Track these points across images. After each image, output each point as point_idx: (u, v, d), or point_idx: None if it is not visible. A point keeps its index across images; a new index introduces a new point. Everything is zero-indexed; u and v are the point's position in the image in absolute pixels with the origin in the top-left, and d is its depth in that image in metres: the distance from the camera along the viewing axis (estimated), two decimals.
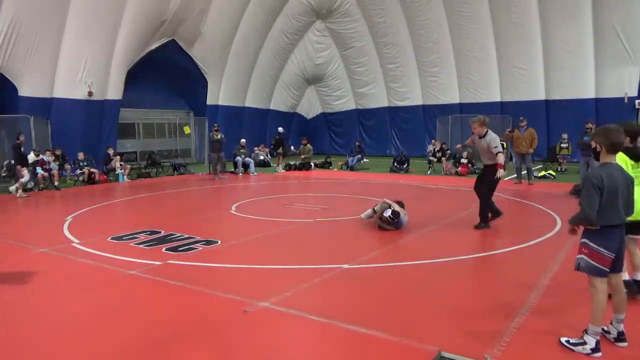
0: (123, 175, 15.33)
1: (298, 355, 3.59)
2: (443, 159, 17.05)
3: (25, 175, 12.06)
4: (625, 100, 18.30)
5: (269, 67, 24.04)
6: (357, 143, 20.09)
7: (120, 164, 15.63)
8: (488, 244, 6.86)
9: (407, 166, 17.57)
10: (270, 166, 19.74)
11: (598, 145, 3.49)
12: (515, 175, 13.31)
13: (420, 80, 23.46)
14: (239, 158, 17.06)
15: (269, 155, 20.88)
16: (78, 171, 14.66)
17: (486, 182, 7.81)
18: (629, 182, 3.45)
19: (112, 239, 7.10)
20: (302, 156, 19.01)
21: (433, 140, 19.63)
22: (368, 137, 25.68)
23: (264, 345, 3.67)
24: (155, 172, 17.15)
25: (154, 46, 18.37)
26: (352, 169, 18.30)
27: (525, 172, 13.04)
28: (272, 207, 10.18)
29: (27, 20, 13.98)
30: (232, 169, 17.01)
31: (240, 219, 8.86)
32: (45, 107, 15.20)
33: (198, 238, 7.04)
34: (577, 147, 12.46)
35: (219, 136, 15.62)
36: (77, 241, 7.01)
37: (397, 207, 7.63)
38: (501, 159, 7.61)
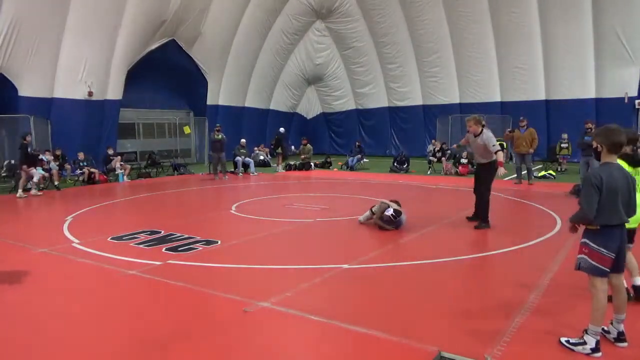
0: (123, 175, 15.33)
1: (298, 355, 3.59)
2: (443, 159, 17.05)
3: (35, 175, 12.12)
4: (625, 100, 18.30)
5: (269, 67, 24.04)
6: (357, 143, 20.09)
7: (120, 164, 15.63)
8: (488, 244, 6.86)
9: (407, 166, 17.57)
10: (270, 166, 19.74)
11: (599, 145, 3.49)
12: (515, 175, 13.31)
13: (420, 80, 23.46)
14: (239, 158, 17.06)
15: (269, 155, 20.88)
16: (78, 171, 14.66)
17: (483, 182, 7.80)
18: (630, 183, 3.44)
19: (112, 239, 7.10)
20: (302, 156, 19.01)
21: (433, 140, 19.65)
22: (368, 137, 25.68)
23: (264, 345, 3.67)
24: (155, 172, 17.15)
25: (154, 46, 18.38)
26: (352, 169, 18.30)
27: (525, 172, 13.04)
28: (272, 207, 10.18)
29: (27, 20, 13.98)
30: (232, 169, 17.01)
31: (240, 219, 8.86)
32: (45, 107, 15.21)
33: (198, 238, 7.04)
34: (577, 147, 12.47)
35: (220, 136, 15.61)
36: (77, 241, 7.00)
37: (396, 206, 7.64)
38: (501, 157, 7.61)
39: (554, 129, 19.13)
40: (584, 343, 3.40)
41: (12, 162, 14.13)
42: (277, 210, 9.67)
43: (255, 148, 20.82)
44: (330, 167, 19.08)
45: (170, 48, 19.13)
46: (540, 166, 16.86)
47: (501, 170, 7.64)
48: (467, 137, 8.13)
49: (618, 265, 3.48)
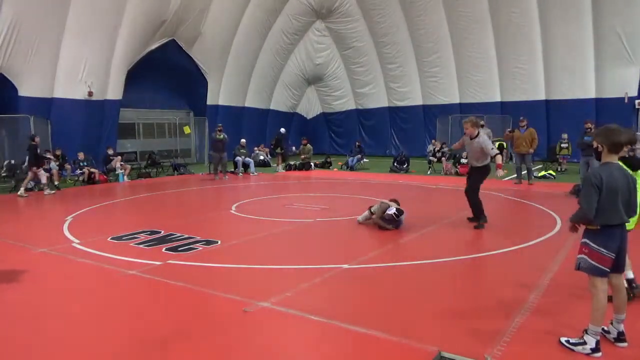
0: (123, 175, 15.33)
1: (298, 355, 3.59)
2: (443, 159, 17.05)
3: (43, 175, 12.16)
4: (625, 100, 18.30)
5: (269, 67, 24.03)
6: (357, 143, 20.09)
7: (121, 164, 15.63)
8: (488, 244, 6.86)
9: (407, 166, 17.58)
10: (270, 166, 19.74)
11: (599, 145, 3.49)
12: (515, 175, 13.32)
13: (420, 80, 23.46)
14: (239, 158, 17.07)
15: (269, 155, 20.88)
16: (78, 171, 14.66)
17: (471, 183, 7.80)
18: (630, 182, 3.44)
19: (112, 239, 7.10)
20: (302, 156, 19.01)
21: (433, 140, 19.65)
22: (368, 137, 25.68)
23: (264, 345, 3.67)
24: (155, 172, 17.15)
25: (154, 46, 18.38)
26: (352, 169, 18.30)
27: (525, 172, 13.04)
28: (272, 207, 10.18)
29: (27, 20, 13.97)
30: (232, 169, 17.01)
31: (240, 219, 8.86)
32: (45, 107, 15.20)
33: (198, 238, 7.04)
34: (577, 147, 12.47)
35: (221, 136, 15.62)
36: (77, 241, 7.00)
37: (396, 206, 7.65)
38: (499, 159, 7.61)
39: (554, 129, 19.13)
40: (584, 343, 3.40)
41: (12, 162, 14.14)
42: (277, 210, 9.67)
43: (255, 148, 20.82)
44: (330, 167, 19.08)
45: (170, 48, 19.13)
46: (540, 166, 16.86)
47: (500, 172, 7.64)
48: (462, 139, 8.12)
49: (618, 265, 3.48)
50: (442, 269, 5.70)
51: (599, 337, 3.40)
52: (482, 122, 18.62)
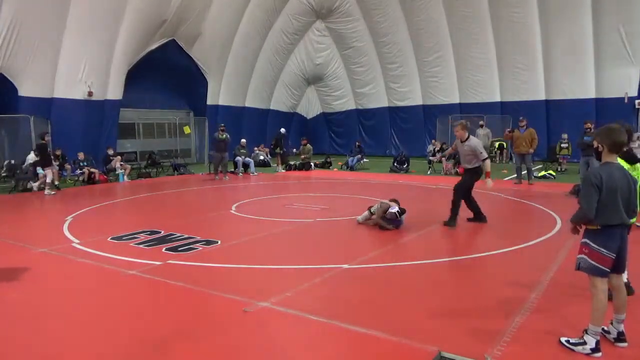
0: (123, 175, 15.33)
1: (298, 355, 3.59)
2: (443, 159, 17.04)
3: (49, 175, 12.20)
4: (625, 100, 18.30)
5: (269, 67, 24.03)
6: (357, 143, 20.09)
7: (121, 164, 15.63)
8: (488, 244, 6.85)
9: (407, 166, 17.58)
10: (270, 166, 19.74)
11: (600, 145, 3.49)
12: (515, 175, 13.32)
13: (420, 80, 23.46)
14: (239, 158, 17.07)
15: (269, 155, 20.88)
16: (78, 171, 14.66)
17: (461, 183, 7.80)
18: (631, 182, 3.44)
19: (112, 239, 7.10)
20: (302, 156, 19.01)
21: (433, 140, 19.65)
22: (368, 137, 25.67)
23: (264, 345, 3.67)
24: (155, 172, 17.15)
25: (154, 46, 18.38)
26: (352, 169, 18.30)
27: (525, 172, 13.04)
28: (272, 207, 10.18)
29: (27, 20, 13.97)
30: (232, 169, 17.01)
31: (240, 219, 8.86)
32: (45, 107, 15.20)
33: (198, 238, 7.04)
34: (577, 147, 12.48)
35: (224, 136, 15.62)
36: (77, 241, 7.00)
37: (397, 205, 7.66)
38: (488, 166, 7.60)
39: (554, 129, 19.14)
40: (584, 343, 3.40)
41: (12, 162, 14.13)
42: (277, 210, 9.67)
43: (255, 148, 20.81)
44: (330, 167, 19.08)
45: (170, 48, 19.13)
46: (540, 166, 16.86)
47: (489, 183, 7.62)
48: (455, 143, 8.17)
49: (618, 266, 3.48)
50: (442, 269, 5.71)
51: (599, 337, 3.40)
52: (481, 122, 18.69)
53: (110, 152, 15.74)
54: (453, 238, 7.23)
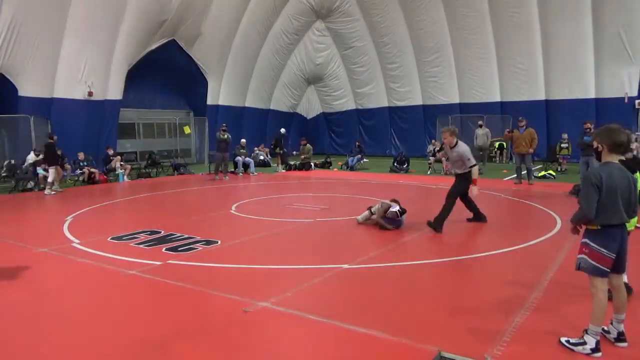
0: (123, 175, 15.33)
1: (298, 355, 3.59)
2: (443, 159, 17.03)
3: (52, 174, 12.25)
4: (625, 100, 18.30)
5: (269, 67, 24.03)
6: (357, 143, 20.09)
7: (121, 164, 15.64)
8: (488, 244, 6.85)
9: (407, 166, 17.57)
10: (270, 166, 19.74)
11: (600, 145, 3.48)
12: (515, 175, 13.32)
13: (420, 80, 23.45)
14: (239, 158, 17.07)
15: (269, 155, 20.89)
16: (78, 171, 14.66)
17: (452, 188, 7.71)
18: (631, 182, 3.44)
19: (112, 239, 7.10)
20: (302, 156, 19.01)
21: (433, 140, 19.63)
22: (368, 137, 25.67)
23: (264, 345, 3.67)
24: (155, 172, 17.15)
25: (154, 46, 18.38)
26: (352, 169, 18.30)
27: (525, 172, 13.04)
28: (272, 207, 10.18)
29: (27, 20, 13.97)
30: (232, 169, 17.02)
31: (240, 219, 8.86)
32: (45, 107, 15.20)
33: (198, 238, 7.04)
34: (577, 147, 12.48)
35: (225, 136, 15.63)
36: (77, 241, 7.00)
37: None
38: (476, 173, 7.51)
39: (554, 129, 19.14)
40: (584, 343, 3.40)
41: (12, 162, 14.14)
42: (277, 210, 9.67)
43: (255, 148, 20.82)
44: (330, 167, 19.08)
45: (170, 48, 19.13)
46: (540, 166, 16.86)
47: (474, 190, 7.53)
48: (444, 150, 8.12)
49: (618, 266, 3.48)
50: (442, 268, 5.70)
51: (599, 337, 3.40)
52: (480, 122, 18.67)
53: (110, 152, 15.74)
54: (453, 238, 7.23)
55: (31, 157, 13.58)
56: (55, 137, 12.68)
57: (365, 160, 19.19)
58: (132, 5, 16.11)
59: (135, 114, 20.46)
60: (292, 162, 18.77)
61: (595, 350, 3.36)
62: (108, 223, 8.64)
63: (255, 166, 17.71)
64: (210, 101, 21.72)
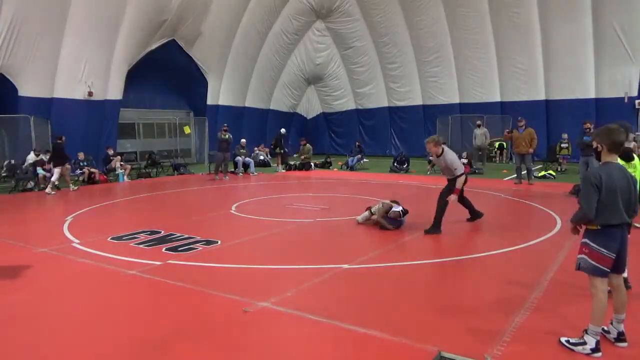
0: (123, 175, 15.33)
1: (298, 355, 3.59)
2: None
3: (56, 173, 12.27)
4: (625, 100, 18.31)
5: (269, 67, 24.03)
6: (357, 143, 20.09)
7: (121, 164, 15.63)
8: (488, 244, 6.85)
9: (407, 166, 17.57)
10: (270, 166, 19.74)
11: (599, 145, 3.49)
12: (515, 175, 13.32)
13: (420, 80, 23.45)
14: (239, 158, 17.07)
15: (269, 155, 20.89)
16: (78, 171, 14.65)
17: (445, 190, 7.64)
18: (631, 182, 3.44)
19: (112, 239, 7.10)
20: (302, 156, 19.01)
21: None
22: (368, 137, 25.66)
23: (264, 345, 3.67)
24: (155, 172, 17.15)
25: (154, 46, 18.37)
26: (352, 169, 18.30)
27: (525, 172, 13.04)
28: (272, 207, 10.18)
29: (27, 20, 13.97)
30: (232, 169, 17.02)
31: (240, 219, 8.86)
32: (45, 107, 15.20)
33: (198, 238, 7.04)
34: (577, 147, 12.48)
35: (227, 136, 15.63)
36: (77, 241, 7.00)
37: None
38: (460, 183, 7.38)
39: (554, 129, 19.13)
40: (584, 343, 3.40)
41: (12, 162, 14.14)
42: (277, 210, 9.67)
43: (255, 148, 20.82)
44: (330, 167, 19.08)
45: (170, 48, 19.13)
46: (540, 166, 16.86)
47: (451, 198, 7.38)
48: (432, 158, 8.02)
49: (618, 266, 3.48)
50: (442, 268, 5.71)
51: (599, 337, 3.40)
52: (479, 122, 18.69)
53: (110, 152, 15.74)
54: (453, 238, 7.23)
55: (31, 157, 13.59)
56: (63, 138, 12.80)
57: (365, 160, 19.18)
58: (132, 5, 16.11)
59: (135, 114, 20.45)
60: (292, 162, 18.77)
61: (595, 350, 3.36)
62: (108, 223, 8.64)
63: (255, 166, 17.70)
64: (210, 101, 21.72)
